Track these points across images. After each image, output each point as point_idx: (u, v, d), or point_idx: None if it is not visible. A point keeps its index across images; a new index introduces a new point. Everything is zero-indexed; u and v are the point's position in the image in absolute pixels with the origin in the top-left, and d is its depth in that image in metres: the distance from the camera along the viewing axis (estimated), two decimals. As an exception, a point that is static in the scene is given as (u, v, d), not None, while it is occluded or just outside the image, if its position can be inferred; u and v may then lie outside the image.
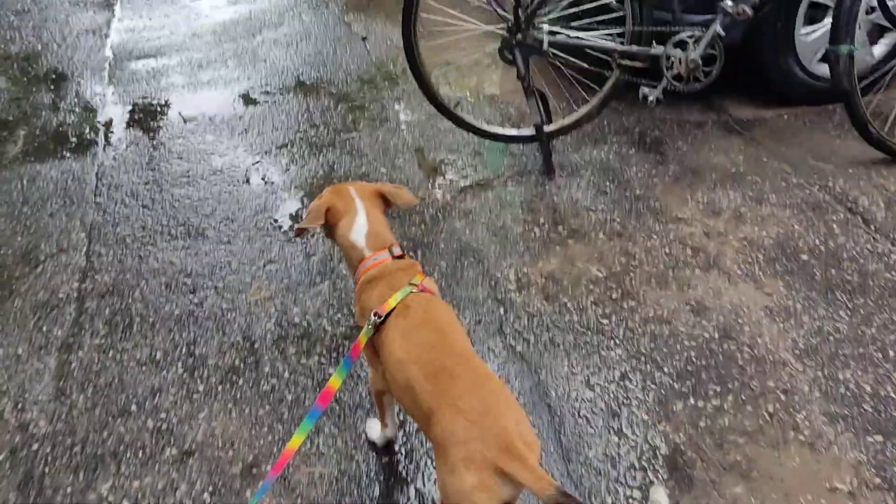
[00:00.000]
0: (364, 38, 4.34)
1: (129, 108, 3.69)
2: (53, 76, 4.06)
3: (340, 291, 2.38)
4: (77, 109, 3.69)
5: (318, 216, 1.55)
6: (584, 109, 2.96)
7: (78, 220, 2.82)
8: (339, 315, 2.29)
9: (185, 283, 2.47)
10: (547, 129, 2.96)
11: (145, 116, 3.60)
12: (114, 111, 3.66)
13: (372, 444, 1.83)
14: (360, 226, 1.55)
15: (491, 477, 1.12)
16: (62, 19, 4.84)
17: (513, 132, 3.06)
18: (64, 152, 3.30)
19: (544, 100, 2.97)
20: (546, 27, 2.74)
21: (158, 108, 3.67)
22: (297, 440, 1.33)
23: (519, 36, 2.76)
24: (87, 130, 3.48)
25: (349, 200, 1.57)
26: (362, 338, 1.40)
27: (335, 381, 1.39)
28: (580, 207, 2.75)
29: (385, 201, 1.64)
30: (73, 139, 3.41)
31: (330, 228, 1.59)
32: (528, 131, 3.00)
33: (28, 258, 2.62)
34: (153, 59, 4.23)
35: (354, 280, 1.56)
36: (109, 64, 4.19)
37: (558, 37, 2.78)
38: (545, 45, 2.76)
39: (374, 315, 1.39)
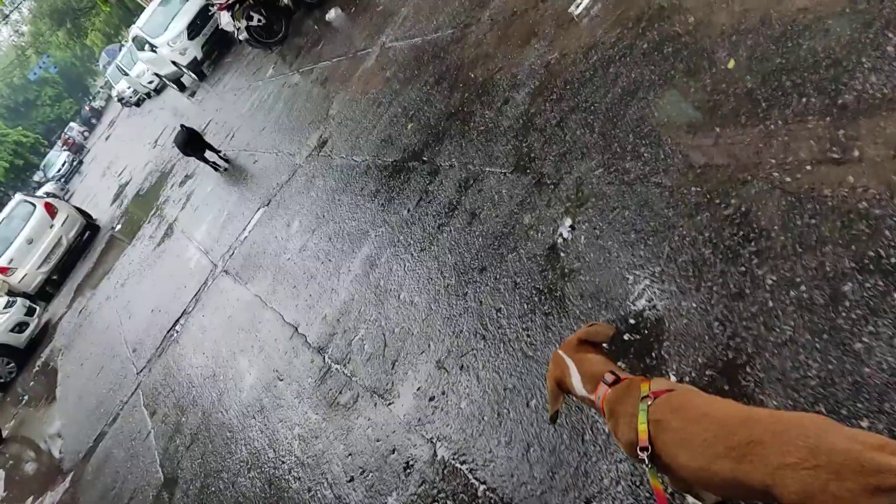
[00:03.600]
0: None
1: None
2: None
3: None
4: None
5: (555, 396, 1.71)
6: None
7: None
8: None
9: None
10: None
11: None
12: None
13: None
14: (576, 380, 1.66)
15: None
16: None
17: None
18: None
19: None
20: None
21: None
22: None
23: None
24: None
25: (562, 363, 1.69)
26: (654, 482, 1.42)
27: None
28: None
29: (591, 342, 1.72)
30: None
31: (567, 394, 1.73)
32: None
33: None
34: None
35: (605, 420, 1.63)
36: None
37: None
38: None
39: (642, 451, 1.41)
